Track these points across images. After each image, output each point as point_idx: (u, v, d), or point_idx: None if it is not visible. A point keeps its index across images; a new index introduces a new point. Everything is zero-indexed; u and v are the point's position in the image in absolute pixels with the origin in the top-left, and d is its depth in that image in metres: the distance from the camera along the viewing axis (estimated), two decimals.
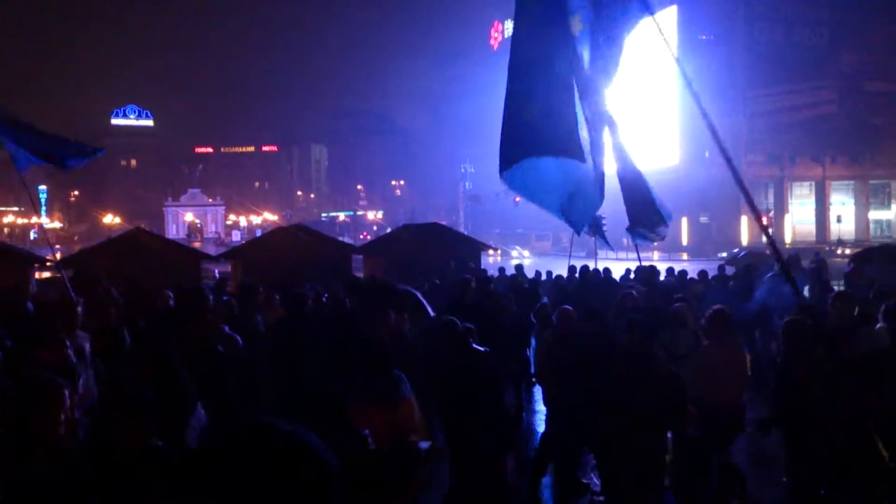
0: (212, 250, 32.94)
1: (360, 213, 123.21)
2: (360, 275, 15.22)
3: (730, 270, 15.29)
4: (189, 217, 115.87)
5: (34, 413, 3.08)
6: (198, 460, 0.98)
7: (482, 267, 16.48)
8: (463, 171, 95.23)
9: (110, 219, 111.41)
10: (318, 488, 0.96)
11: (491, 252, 20.86)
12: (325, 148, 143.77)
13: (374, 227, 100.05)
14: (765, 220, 58.28)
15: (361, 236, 73.02)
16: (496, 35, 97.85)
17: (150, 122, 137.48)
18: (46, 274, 19.14)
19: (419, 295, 8.64)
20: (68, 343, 4.99)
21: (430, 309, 8.34)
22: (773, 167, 59.80)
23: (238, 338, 6.92)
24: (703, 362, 6.49)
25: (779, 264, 3.64)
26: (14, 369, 4.94)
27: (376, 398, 4.54)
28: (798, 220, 61.83)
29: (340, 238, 30.52)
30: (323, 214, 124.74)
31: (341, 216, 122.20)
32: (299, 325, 7.17)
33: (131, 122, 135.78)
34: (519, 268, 14.68)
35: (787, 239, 58.88)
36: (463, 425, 5.48)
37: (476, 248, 18.34)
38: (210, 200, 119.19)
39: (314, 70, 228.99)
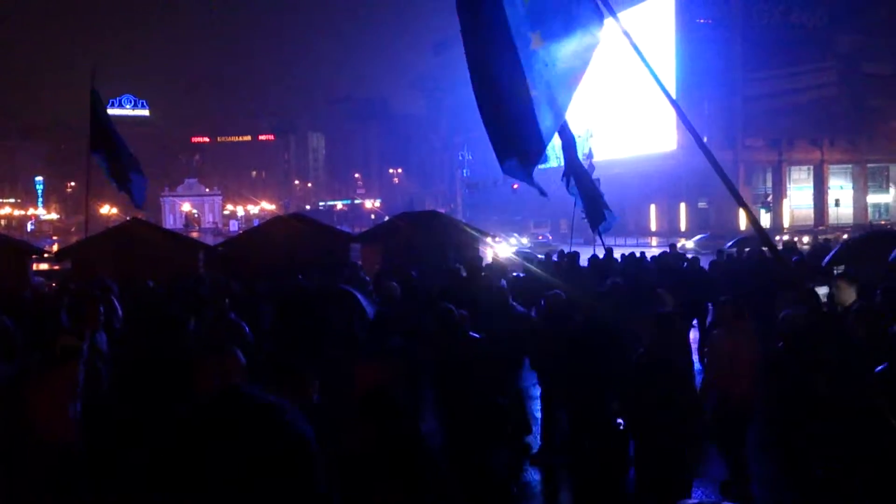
0: (210, 240, 32.90)
1: (357, 201, 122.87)
2: (359, 262, 15.16)
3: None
4: (186, 207, 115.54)
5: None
6: (173, 428, 0.97)
7: (480, 255, 16.35)
8: (460, 158, 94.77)
9: (107, 209, 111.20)
10: (294, 460, 0.94)
11: (489, 240, 20.72)
12: (321, 136, 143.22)
13: (373, 216, 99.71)
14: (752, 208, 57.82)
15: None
16: None
17: (145, 112, 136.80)
18: (44, 266, 19.11)
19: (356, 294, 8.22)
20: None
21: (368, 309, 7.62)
22: (772, 151, 59.65)
23: (244, 325, 6.96)
24: (714, 351, 6.46)
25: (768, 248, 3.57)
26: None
27: (367, 356, 4.70)
28: (796, 205, 61.79)
29: (339, 227, 30.46)
30: (321, 203, 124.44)
31: (339, 205, 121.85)
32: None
33: (127, 111, 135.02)
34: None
35: (786, 223, 58.81)
36: (453, 413, 5.41)
37: (474, 235, 18.26)
38: (207, 190, 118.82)
39: (309, 58, 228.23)
